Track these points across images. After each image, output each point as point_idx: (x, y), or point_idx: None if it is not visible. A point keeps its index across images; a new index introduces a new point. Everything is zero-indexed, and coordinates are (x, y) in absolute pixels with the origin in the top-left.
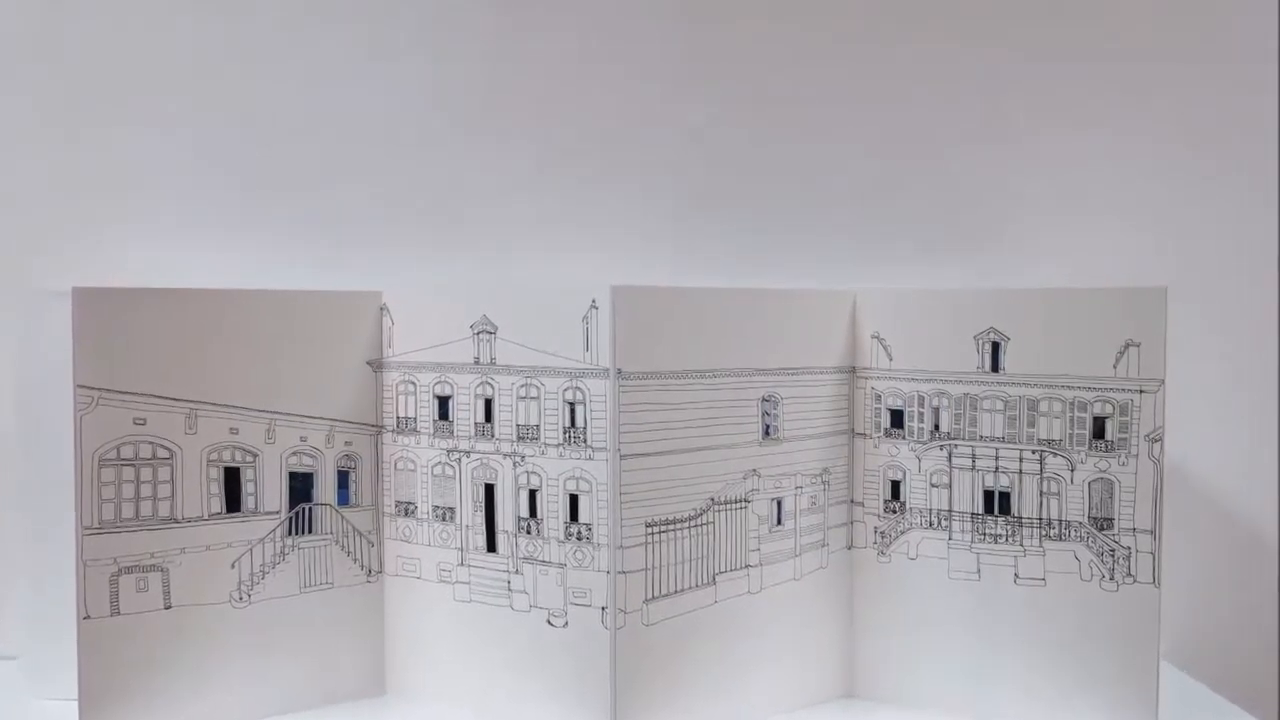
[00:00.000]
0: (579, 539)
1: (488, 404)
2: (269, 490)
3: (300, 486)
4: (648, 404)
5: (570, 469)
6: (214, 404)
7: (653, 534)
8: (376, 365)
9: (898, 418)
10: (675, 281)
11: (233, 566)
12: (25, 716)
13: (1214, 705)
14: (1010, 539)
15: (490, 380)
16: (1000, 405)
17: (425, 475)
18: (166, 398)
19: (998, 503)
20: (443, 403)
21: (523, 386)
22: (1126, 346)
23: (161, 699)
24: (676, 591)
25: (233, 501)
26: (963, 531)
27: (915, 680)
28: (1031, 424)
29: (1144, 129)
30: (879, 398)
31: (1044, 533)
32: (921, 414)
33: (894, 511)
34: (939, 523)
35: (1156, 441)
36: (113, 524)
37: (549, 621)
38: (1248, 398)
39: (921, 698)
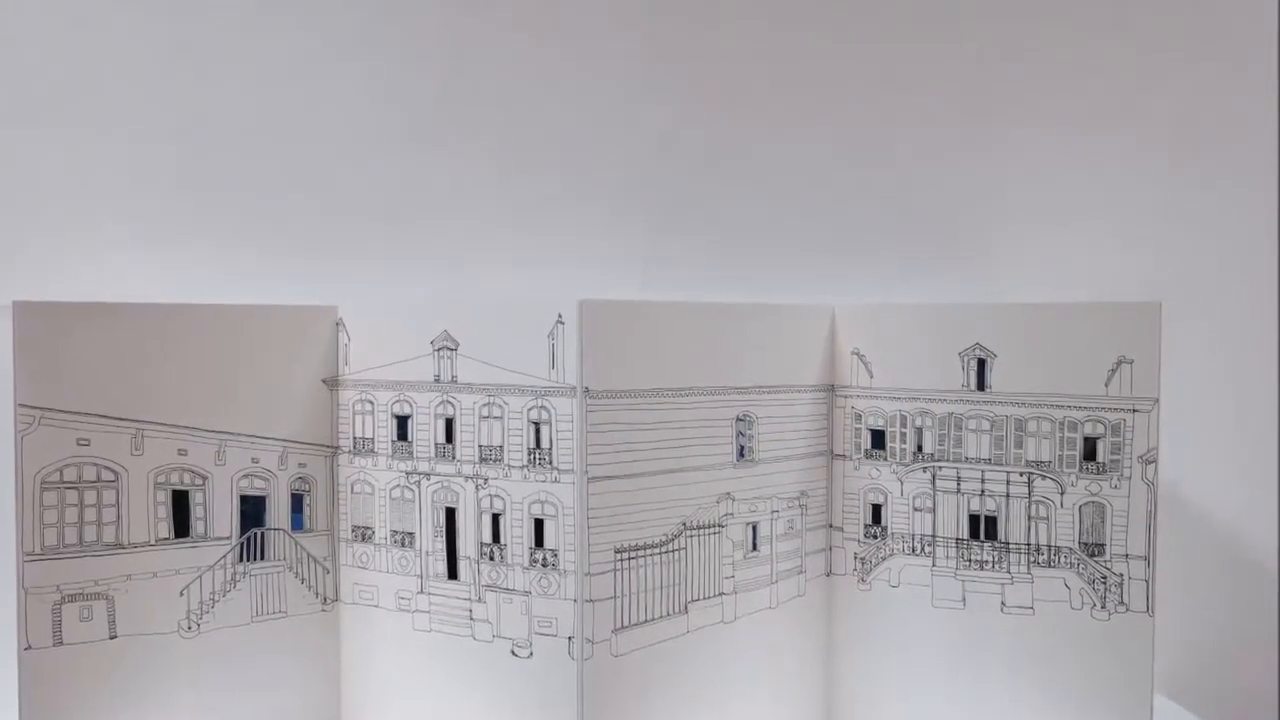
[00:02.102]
0: (544, 565)
1: (449, 424)
2: (219, 514)
3: (252, 510)
4: (616, 424)
5: (535, 492)
6: (161, 424)
7: (622, 560)
8: (332, 383)
9: (879, 438)
10: (645, 295)
11: (181, 594)
12: None
13: None
14: (997, 565)
15: (451, 399)
16: (986, 425)
17: (383, 499)
18: (111, 417)
19: (984, 527)
20: (401, 422)
21: (485, 405)
22: (1119, 364)
23: None
24: (647, 621)
25: (181, 526)
26: (947, 558)
27: (897, 713)
28: (1019, 445)
29: (1138, 135)
30: (859, 417)
31: (1032, 559)
32: (904, 434)
33: (875, 537)
34: (922, 548)
35: (1150, 463)
36: (55, 550)
37: (513, 652)
38: (1245, 417)
39: None
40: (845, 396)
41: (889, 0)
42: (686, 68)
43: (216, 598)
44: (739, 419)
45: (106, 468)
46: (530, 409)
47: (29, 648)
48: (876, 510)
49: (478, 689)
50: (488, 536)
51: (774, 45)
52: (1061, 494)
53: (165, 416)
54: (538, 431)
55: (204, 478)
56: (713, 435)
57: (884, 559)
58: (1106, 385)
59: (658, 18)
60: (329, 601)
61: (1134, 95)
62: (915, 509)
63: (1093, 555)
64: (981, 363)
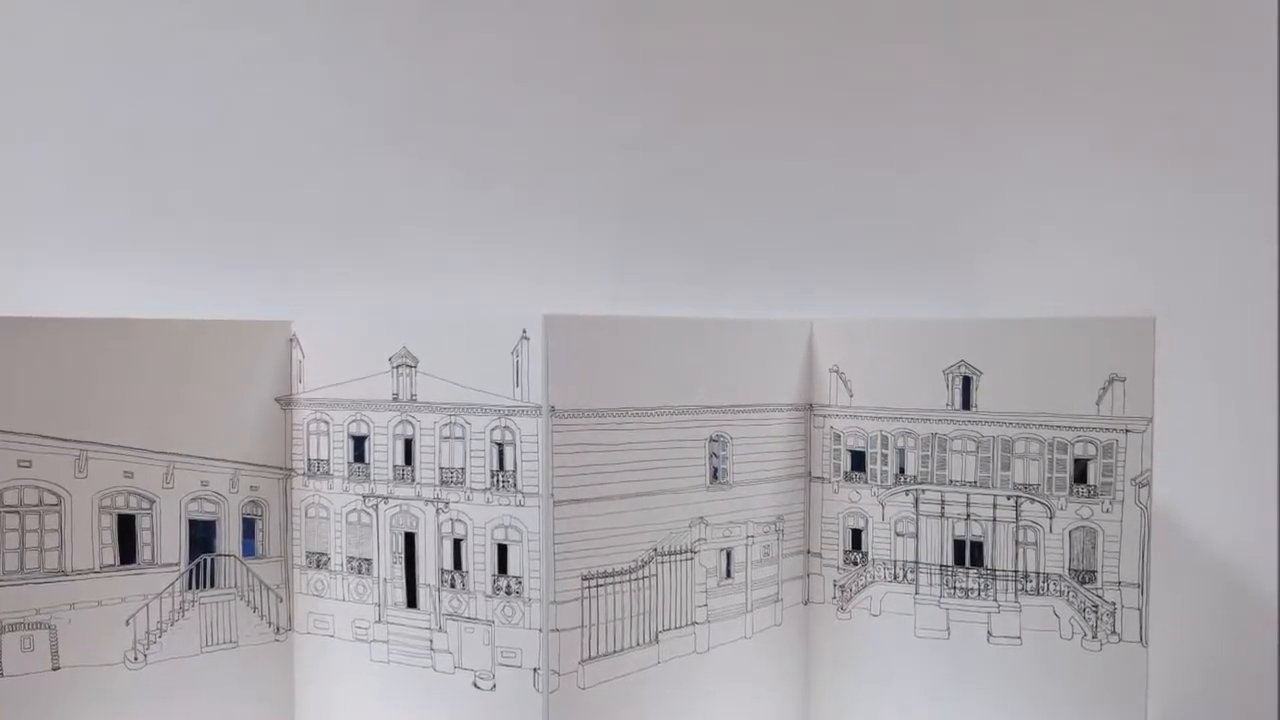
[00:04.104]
0: (508, 593)
1: (408, 444)
2: (167, 540)
3: (201, 536)
4: (584, 445)
5: (499, 516)
6: (106, 445)
7: (589, 588)
8: (285, 402)
9: (859, 460)
10: (614, 310)
11: (127, 624)
12: None
13: None
14: (983, 593)
15: (411, 418)
16: (972, 446)
17: (339, 523)
18: (54, 438)
19: (969, 553)
20: (358, 443)
21: (446, 425)
22: (1111, 381)
23: None
24: (616, 651)
25: (127, 552)
26: (930, 585)
27: None
28: (1006, 467)
29: (1131, 141)
30: (838, 438)
31: (1020, 586)
32: (885, 456)
33: (855, 563)
34: (904, 575)
35: (1144, 486)
36: None
37: (475, 684)
38: (1243, 437)
39: None
40: (824, 416)
41: (871, 1)
42: (657, 72)
43: (164, 627)
44: (712, 439)
45: (49, 491)
46: (493, 429)
47: None
48: (857, 535)
49: None
50: (449, 563)
51: (748, 49)
52: (1051, 518)
53: (110, 437)
54: (501, 453)
55: (151, 501)
56: (685, 457)
57: (864, 586)
58: (1098, 404)
59: (628, 20)
60: (282, 631)
61: (1127, 100)
62: (897, 534)
63: (1083, 582)
64: (967, 381)
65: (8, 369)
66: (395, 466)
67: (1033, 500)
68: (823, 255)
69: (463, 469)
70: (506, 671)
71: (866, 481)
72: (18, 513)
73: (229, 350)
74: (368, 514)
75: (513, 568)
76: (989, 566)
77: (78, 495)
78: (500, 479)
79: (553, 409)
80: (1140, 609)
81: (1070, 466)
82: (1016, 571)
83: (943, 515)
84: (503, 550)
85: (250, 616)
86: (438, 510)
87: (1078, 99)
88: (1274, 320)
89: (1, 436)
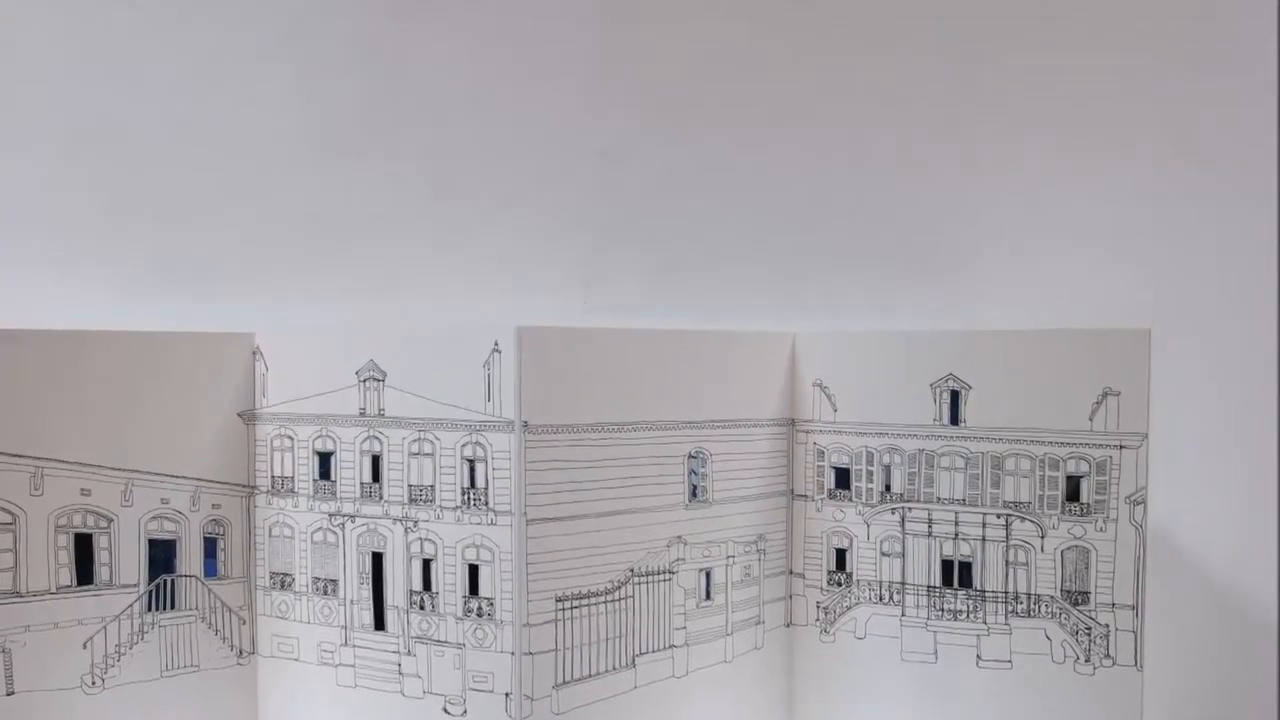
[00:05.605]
0: (479, 615)
1: (375, 461)
2: (125, 560)
3: (161, 555)
4: (558, 461)
5: (470, 535)
6: (63, 462)
7: (564, 610)
8: (248, 417)
9: (843, 477)
10: (589, 322)
11: (85, 647)
12: None
13: None
14: (972, 615)
15: (378, 434)
16: (960, 463)
17: (304, 543)
18: (7, 454)
19: (957, 574)
20: (324, 460)
21: (415, 441)
22: (1104, 396)
23: None
24: (591, 675)
25: (84, 573)
26: (918, 607)
27: None
28: (996, 484)
29: (1126, 147)
30: (822, 454)
31: (1010, 608)
32: (870, 473)
33: (839, 584)
34: (890, 597)
35: (1139, 504)
36: None
37: (445, 709)
38: (1242, 454)
39: None
40: (806, 431)
41: (860, 6)
42: (633, 76)
43: (123, 650)
44: (691, 456)
45: (3, 509)
46: (464, 445)
47: None
48: (841, 555)
49: None
50: (418, 584)
51: (729, 52)
52: (1042, 538)
53: (67, 453)
54: (472, 469)
55: (109, 520)
56: (663, 474)
57: (849, 608)
58: (1091, 419)
59: (604, 24)
60: (245, 654)
61: (1122, 103)
62: (883, 554)
63: (1076, 604)
64: (955, 395)
65: None
66: (362, 484)
67: (1023, 519)
68: (806, 265)
69: (432, 486)
70: (478, 696)
71: (851, 499)
72: None
73: (189, 363)
74: (334, 533)
75: (484, 589)
76: (978, 588)
77: (33, 514)
78: (471, 497)
79: (526, 424)
80: (1135, 631)
81: (1062, 484)
82: (1007, 593)
83: (930, 534)
84: (474, 571)
85: (212, 639)
86: (406, 529)
87: (1071, 105)
88: (1273, 331)
89: None
